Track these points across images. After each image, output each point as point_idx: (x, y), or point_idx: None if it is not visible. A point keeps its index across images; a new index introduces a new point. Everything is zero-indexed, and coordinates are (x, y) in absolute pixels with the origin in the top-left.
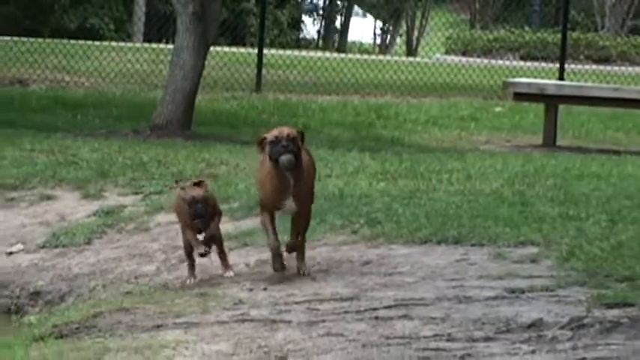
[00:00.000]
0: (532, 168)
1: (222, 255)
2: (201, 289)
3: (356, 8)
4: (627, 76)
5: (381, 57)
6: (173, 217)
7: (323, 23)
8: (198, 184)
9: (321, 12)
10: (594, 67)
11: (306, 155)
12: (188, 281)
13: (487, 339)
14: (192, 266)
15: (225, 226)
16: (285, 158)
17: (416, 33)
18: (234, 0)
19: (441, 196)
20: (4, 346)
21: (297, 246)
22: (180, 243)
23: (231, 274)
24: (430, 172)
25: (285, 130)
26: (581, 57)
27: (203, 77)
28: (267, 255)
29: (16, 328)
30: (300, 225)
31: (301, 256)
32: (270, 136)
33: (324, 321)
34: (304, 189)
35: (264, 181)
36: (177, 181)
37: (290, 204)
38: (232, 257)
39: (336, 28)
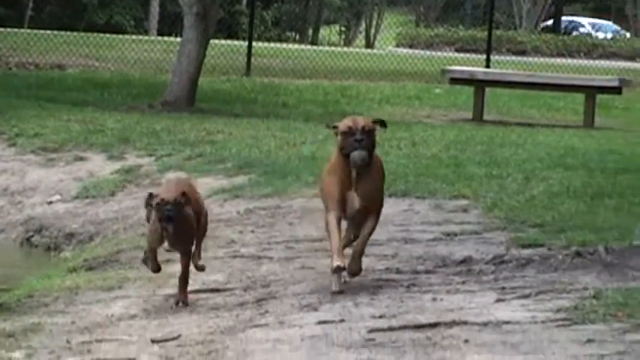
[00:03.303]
0: (464, 137)
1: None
2: None
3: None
4: (539, 65)
5: (345, 49)
6: (180, 173)
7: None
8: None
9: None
10: (513, 58)
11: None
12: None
13: (427, 272)
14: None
15: (221, 182)
16: (357, 155)
17: (373, 30)
18: (230, 3)
19: (392, 158)
20: (45, 277)
21: (356, 270)
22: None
23: (180, 304)
24: (383, 140)
25: (360, 122)
26: (503, 50)
27: (204, 64)
28: (254, 204)
29: (55, 262)
30: (365, 227)
31: (358, 255)
32: (342, 125)
33: (299, 257)
34: (370, 185)
35: (328, 172)
36: (150, 195)
37: (352, 199)
38: (226, 207)
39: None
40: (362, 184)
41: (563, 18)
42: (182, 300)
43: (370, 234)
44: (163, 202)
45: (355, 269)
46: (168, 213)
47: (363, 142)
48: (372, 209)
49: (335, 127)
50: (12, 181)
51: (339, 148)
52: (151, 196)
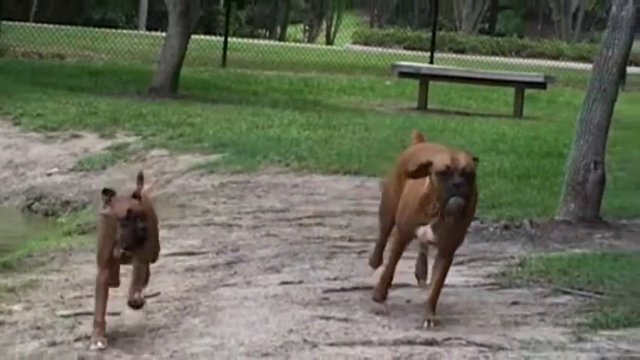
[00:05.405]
0: (410, 124)
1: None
2: (180, 201)
3: None
4: (476, 62)
5: (308, 45)
6: (163, 151)
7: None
8: (135, 196)
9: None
10: (454, 55)
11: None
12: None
13: (376, 240)
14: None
15: (198, 159)
16: (453, 203)
17: (333, 29)
18: (208, 3)
19: (347, 141)
20: (43, 239)
21: (433, 299)
22: (173, 168)
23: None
24: (340, 125)
25: (462, 161)
26: (445, 49)
27: (186, 56)
28: (226, 179)
29: (52, 226)
30: (437, 270)
31: (431, 303)
32: (439, 163)
33: (264, 226)
34: (453, 230)
35: (419, 202)
36: (106, 191)
37: (426, 232)
38: (202, 181)
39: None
40: (445, 226)
41: None
42: (137, 302)
43: (443, 278)
44: (133, 216)
45: (429, 317)
46: (141, 233)
47: (462, 188)
48: (446, 249)
49: (427, 165)
50: (16, 155)
51: (435, 192)
52: (106, 192)
